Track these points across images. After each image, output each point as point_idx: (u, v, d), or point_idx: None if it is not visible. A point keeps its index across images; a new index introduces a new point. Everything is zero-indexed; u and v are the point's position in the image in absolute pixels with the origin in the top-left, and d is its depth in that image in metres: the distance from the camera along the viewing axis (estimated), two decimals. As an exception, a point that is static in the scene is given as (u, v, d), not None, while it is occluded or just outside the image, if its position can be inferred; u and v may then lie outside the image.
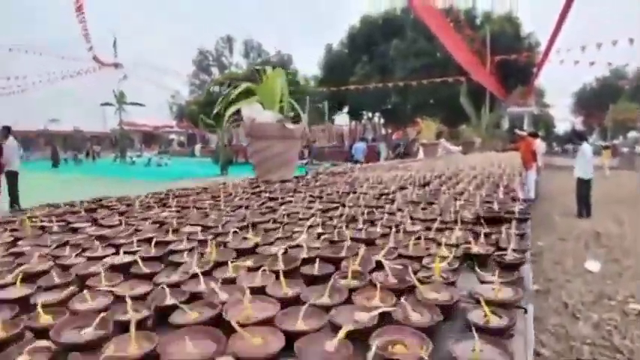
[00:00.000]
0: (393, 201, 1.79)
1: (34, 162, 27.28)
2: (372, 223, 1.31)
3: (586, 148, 9.67)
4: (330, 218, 1.41)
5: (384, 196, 1.94)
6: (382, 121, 39.07)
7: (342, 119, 42.58)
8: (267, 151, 2.95)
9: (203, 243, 1.13)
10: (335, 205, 1.69)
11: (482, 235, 1.11)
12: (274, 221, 1.42)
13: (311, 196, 1.97)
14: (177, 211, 1.72)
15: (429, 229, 1.20)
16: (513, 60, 23.13)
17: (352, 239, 1.10)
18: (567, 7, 8.46)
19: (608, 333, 3.75)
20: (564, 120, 51.00)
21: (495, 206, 1.39)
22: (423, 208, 1.54)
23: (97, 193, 2.40)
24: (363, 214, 1.42)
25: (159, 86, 46.46)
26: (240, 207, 1.72)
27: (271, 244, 1.13)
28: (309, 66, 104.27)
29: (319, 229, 1.24)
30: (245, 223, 1.36)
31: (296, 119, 3.28)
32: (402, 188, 2.34)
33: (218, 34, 52.33)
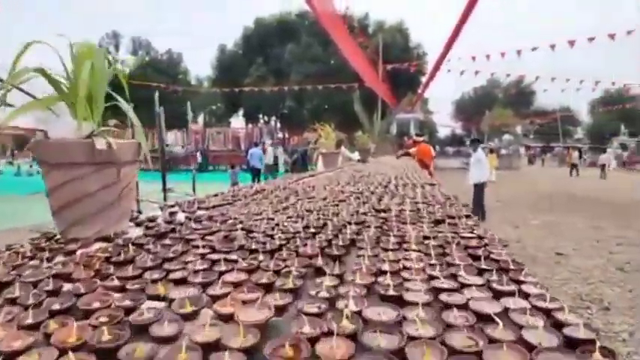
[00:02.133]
0: None
1: None
2: None
3: (481, 153, 10.08)
4: None
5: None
6: (279, 125, 38.45)
7: (238, 122, 41.12)
8: (73, 189, 1.67)
9: None
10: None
11: None
12: None
13: (73, 348, 0.79)
14: None
15: None
16: (403, 69, 24.13)
17: None
18: (463, 20, 8.43)
19: None
20: (446, 125, 56.38)
21: None
22: None
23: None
24: None
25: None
26: None
27: None
28: (201, 66, 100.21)
29: None
30: None
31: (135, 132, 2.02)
32: (308, 270, 1.28)
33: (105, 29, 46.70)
